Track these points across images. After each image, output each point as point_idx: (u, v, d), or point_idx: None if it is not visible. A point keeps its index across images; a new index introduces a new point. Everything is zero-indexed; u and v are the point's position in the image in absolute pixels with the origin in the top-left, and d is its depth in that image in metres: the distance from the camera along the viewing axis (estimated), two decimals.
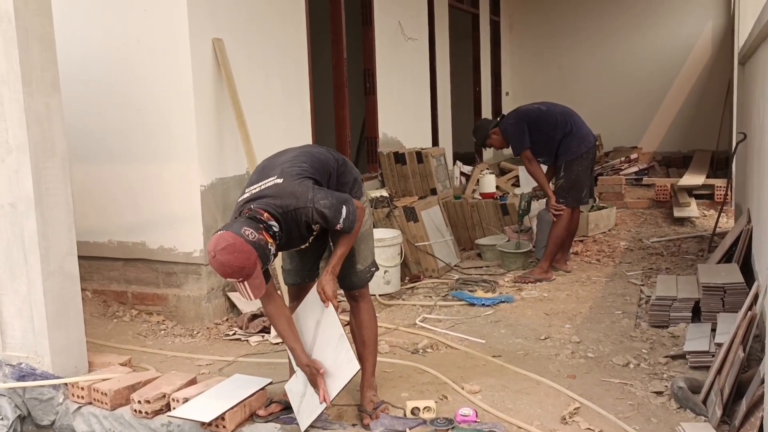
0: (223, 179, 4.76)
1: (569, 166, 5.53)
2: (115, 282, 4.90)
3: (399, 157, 6.73)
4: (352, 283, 3.28)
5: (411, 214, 5.81)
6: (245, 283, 2.78)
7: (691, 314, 4.22)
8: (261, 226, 2.82)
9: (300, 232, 2.99)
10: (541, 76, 12.20)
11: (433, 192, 6.60)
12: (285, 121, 5.46)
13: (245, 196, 2.98)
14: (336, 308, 3.05)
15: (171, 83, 4.55)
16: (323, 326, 3.07)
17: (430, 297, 5.20)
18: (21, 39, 3.30)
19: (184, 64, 4.49)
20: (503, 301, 4.98)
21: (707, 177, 8.96)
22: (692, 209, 7.87)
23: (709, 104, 11.07)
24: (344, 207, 2.93)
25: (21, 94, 3.31)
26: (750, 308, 3.19)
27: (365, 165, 7.12)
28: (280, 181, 2.96)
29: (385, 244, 5.26)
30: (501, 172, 9.91)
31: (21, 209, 3.40)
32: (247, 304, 4.70)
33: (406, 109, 7.68)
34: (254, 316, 4.52)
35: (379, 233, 5.42)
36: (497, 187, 7.78)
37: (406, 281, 5.60)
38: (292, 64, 5.54)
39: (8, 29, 3.29)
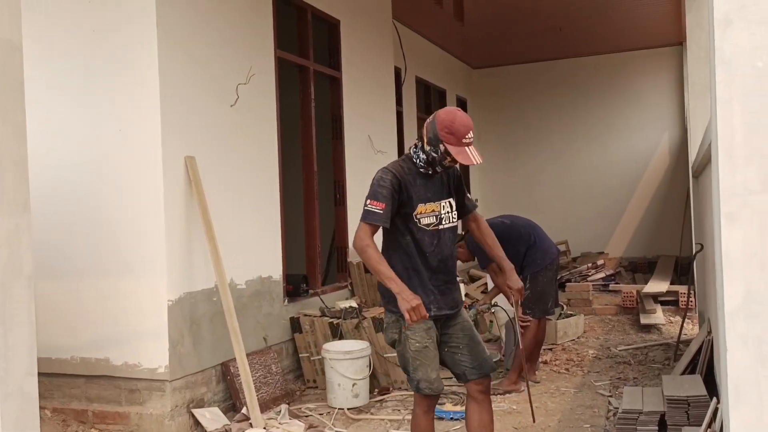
0: (191, 293, 4.77)
1: (534, 278, 5.64)
2: (76, 400, 4.78)
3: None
4: (490, 365, 3.22)
5: (380, 325, 5.82)
6: (472, 146, 3.23)
7: (657, 428, 4.22)
8: None
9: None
10: (509, 183, 12.60)
11: None
12: (255, 234, 5.54)
13: None
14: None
15: (142, 199, 4.63)
16: None
17: (399, 410, 5.14)
18: None
19: (155, 181, 4.59)
20: None
21: (671, 283, 9.15)
22: (658, 316, 7.99)
23: (671, 211, 11.46)
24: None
25: None
26: (710, 425, 3.22)
27: (335, 275, 7.17)
28: None
29: (353, 357, 5.25)
30: (470, 279, 10.02)
31: None
32: (212, 422, 4.61)
33: None
34: None
35: (347, 345, 5.42)
36: (466, 295, 7.85)
37: (375, 393, 5.54)
38: (262, 178, 5.68)
39: None
